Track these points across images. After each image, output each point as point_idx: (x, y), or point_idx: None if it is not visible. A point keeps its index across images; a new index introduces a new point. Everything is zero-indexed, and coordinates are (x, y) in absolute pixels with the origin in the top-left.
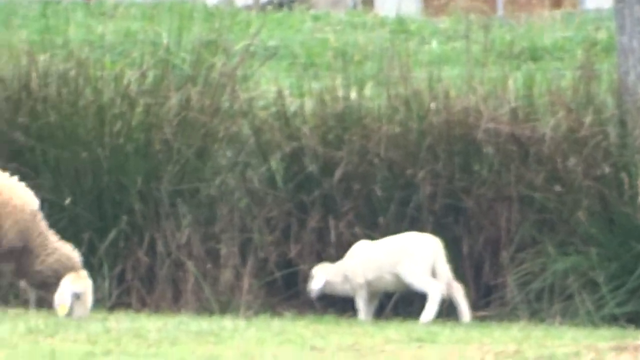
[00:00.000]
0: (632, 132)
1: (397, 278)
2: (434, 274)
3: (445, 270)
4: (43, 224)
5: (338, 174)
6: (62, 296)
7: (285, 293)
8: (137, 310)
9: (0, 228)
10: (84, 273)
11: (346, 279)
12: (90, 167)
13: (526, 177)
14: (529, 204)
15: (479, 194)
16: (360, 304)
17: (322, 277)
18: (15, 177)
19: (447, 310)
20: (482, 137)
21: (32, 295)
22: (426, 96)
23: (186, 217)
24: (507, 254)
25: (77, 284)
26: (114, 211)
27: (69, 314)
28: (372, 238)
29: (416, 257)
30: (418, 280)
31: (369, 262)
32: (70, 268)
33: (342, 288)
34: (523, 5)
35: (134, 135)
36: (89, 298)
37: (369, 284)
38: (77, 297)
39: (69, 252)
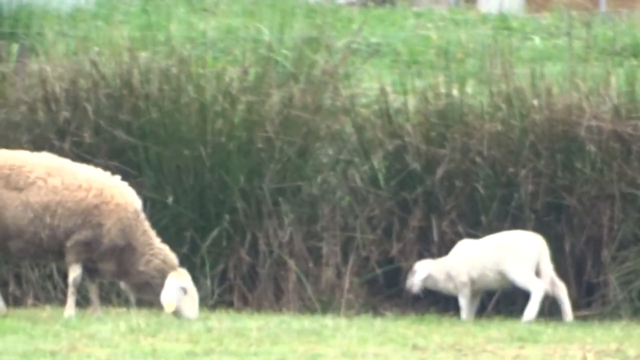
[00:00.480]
0: None
1: (502, 276)
2: (537, 273)
3: (548, 268)
4: (146, 223)
5: (440, 171)
6: (169, 293)
7: (386, 292)
8: (239, 309)
9: (102, 226)
10: (183, 270)
11: (449, 277)
12: (192, 165)
13: (629, 175)
14: (632, 202)
15: (581, 192)
16: (463, 302)
17: (425, 271)
18: (118, 176)
19: (549, 309)
20: (585, 134)
21: (131, 295)
22: (528, 93)
23: (288, 215)
24: (609, 252)
25: (182, 280)
26: (216, 210)
27: (177, 310)
28: (474, 236)
29: (521, 254)
30: (522, 277)
31: (473, 260)
32: (172, 267)
33: (444, 286)
34: (625, 0)
35: (236, 133)
36: (195, 294)
37: (473, 282)
38: (184, 291)
39: (168, 253)
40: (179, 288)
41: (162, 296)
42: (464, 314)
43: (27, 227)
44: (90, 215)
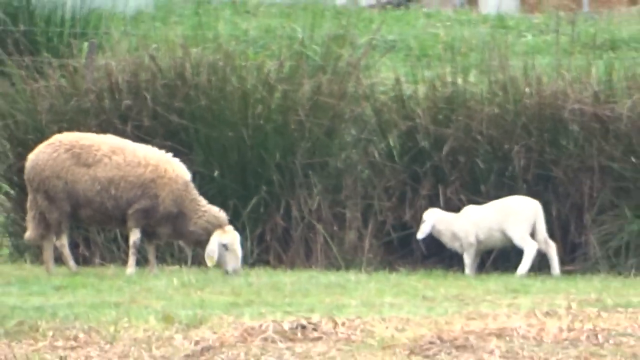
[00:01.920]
0: None
1: (505, 235)
2: (533, 232)
3: (543, 229)
4: (194, 192)
5: (446, 148)
6: (211, 248)
7: (400, 251)
8: (275, 267)
9: (157, 197)
10: (230, 228)
11: (455, 237)
12: (235, 144)
13: (606, 150)
14: (609, 173)
15: (565, 165)
16: (468, 260)
17: (431, 220)
18: (170, 154)
19: (538, 265)
20: (569, 116)
21: (189, 253)
22: (521, 82)
23: (317, 186)
24: (590, 216)
25: (224, 237)
26: (256, 182)
27: (219, 264)
28: (475, 202)
29: (521, 216)
30: (519, 236)
31: (480, 222)
32: (219, 226)
33: (450, 243)
34: (604, 2)
35: (273, 117)
36: (237, 248)
37: (479, 243)
38: (225, 247)
39: (216, 212)
40: (220, 244)
41: (206, 251)
42: (467, 269)
43: (95, 198)
44: (147, 188)
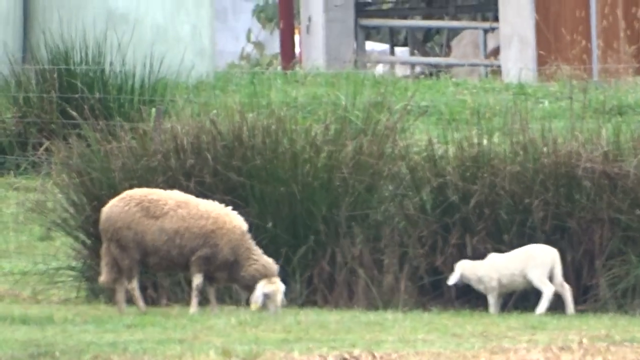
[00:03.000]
0: None
1: (525, 279)
2: (550, 277)
3: (559, 273)
4: (250, 241)
5: (473, 202)
6: (256, 296)
7: (432, 293)
8: (321, 307)
9: (217, 246)
10: (276, 279)
11: (480, 280)
12: (286, 199)
13: (615, 204)
14: (617, 224)
15: (579, 216)
16: (492, 300)
17: (459, 269)
18: (229, 207)
19: (555, 305)
20: (582, 173)
21: (242, 295)
22: (539, 143)
23: (359, 236)
24: (600, 262)
25: (267, 287)
26: (304, 232)
27: (262, 310)
28: (498, 250)
29: (540, 261)
30: (539, 280)
31: (502, 269)
32: (266, 275)
33: (475, 285)
34: (613, 72)
35: (320, 175)
36: (278, 299)
37: (502, 286)
38: (267, 297)
39: (267, 263)
40: (262, 293)
41: (251, 297)
42: (491, 309)
43: (162, 247)
44: (208, 238)
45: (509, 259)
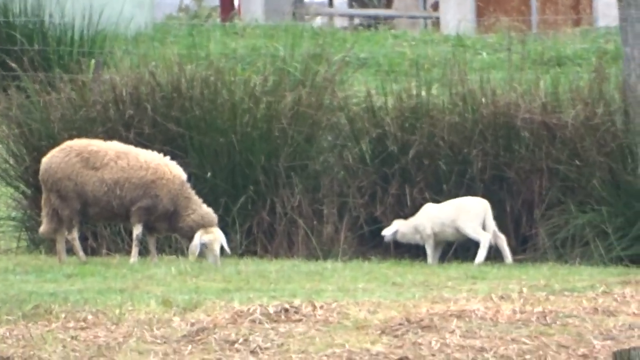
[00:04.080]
0: (634, 120)
1: (457, 230)
2: (483, 228)
3: (492, 224)
4: (189, 191)
5: (412, 152)
6: (193, 245)
7: (372, 243)
8: (261, 257)
9: (157, 196)
10: (214, 229)
11: (417, 230)
12: (225, 149)
13: (553, 154)
14: (556, 174)
15: (518, 167)
16: (429, 250)
17: (394, 227)
18: (168, 157)
19: (494, 255)
20: (520, 124)
21: (184, 245)
22: (478, 94)
23: (298, 186)
24: (539, 212)
25: (205, 236)
26: (244, 182)
27: (203, 259)
28: (437, 201)
29: (471, 213)
30: (472, 231)
31: (434, 219)
32: (207, 224)
33: (413, 237)
34: (551, 24)
35: (259, 125)
36: (215, 248)
37: (435, 235)
38: (204, 246)
39: (205, 213)
40: (200, 243)
41: (189, 247)
42: (429, 259)
43: (102, 197)
44: (149, 188)
45: (441, 208)
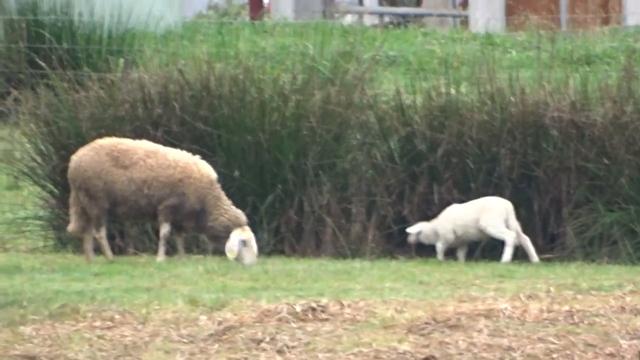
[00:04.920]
0: None
1: (480, 231)
2: (507, 228)
3: (515, 224)
4: (219, 191)
5: (440, 151)
6: (231, 244)
7: (399, 242)
8: (288, 256)
9: (185, 195)
10: (247, 228)
11: (437, 235)
12: (253, 148)
13: (582, 152)
14: (584, 173)
15: (546, 165)
16: (439, 249)
17: (417, 228)
18: (197, 156)
19: (521, 254)
20: (549, 122)
21: (210, 245)
22: (507, 92)
23: (326, 185)
24: (567, 210)
25: (243, 234)
26: (272, 181)
27: (238, 258)
28: (465, 200)
29: (493, 213)
30: (496, 230)
31: (457, 221)
32: (238, 225)
33: (435, 239)
34: (581, 22)
35: (287, 124)
36: (254, 245)
37: (457, 237)
38: (244, 244)
39: (237, 213)
40: (240, 240)
41: (226, 246)
42: (439, 256)
43: (130, 196)
44: (176, 187)
45: (463, 210)
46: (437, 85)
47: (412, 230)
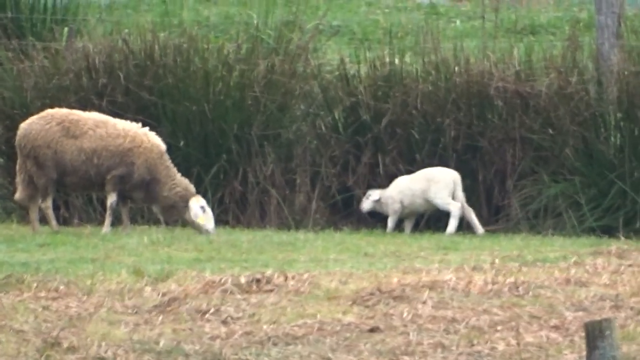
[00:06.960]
0: (607, 89)
1: (427, 201)
2: (453, 198)
3: (461, 196)
4: (169, 162)
5: (385, 121)
6: (195, 212)
7: (344, 212)
8: (233, 227)
9: (133, 164)
10: (200, 197)
11: (387, 204)
12: (198, 118)
13: (527, 123)
14: (529, 144)
15: (491, 136)
16: (390, 223)
17: (377, 195)
18: (146, 127)
19: (466, 226)
20: (494, 93)
21: (160, 217)
22: (452, 62)
23: (270, 155)
24: (512, 182)
25: (201, 201)
26: (216, 151)
27: (200, 225)
28: (410, 171)
29: (441, 184)
30: (442, 201)
31: (406, 191)
32: (192, 194)
33: (386, 209)
34: None
35: (232, 93)
36: (210, 212)
37: (404, 208)
38: (203, 210)
39: (187, 183)
40: (200, 207)
41: (191, 215)
42: (389, 229)
43: (80, 166)
44: (125, 156)
45: (411, 180)
46: (381, 55)
47: (373, 197)
